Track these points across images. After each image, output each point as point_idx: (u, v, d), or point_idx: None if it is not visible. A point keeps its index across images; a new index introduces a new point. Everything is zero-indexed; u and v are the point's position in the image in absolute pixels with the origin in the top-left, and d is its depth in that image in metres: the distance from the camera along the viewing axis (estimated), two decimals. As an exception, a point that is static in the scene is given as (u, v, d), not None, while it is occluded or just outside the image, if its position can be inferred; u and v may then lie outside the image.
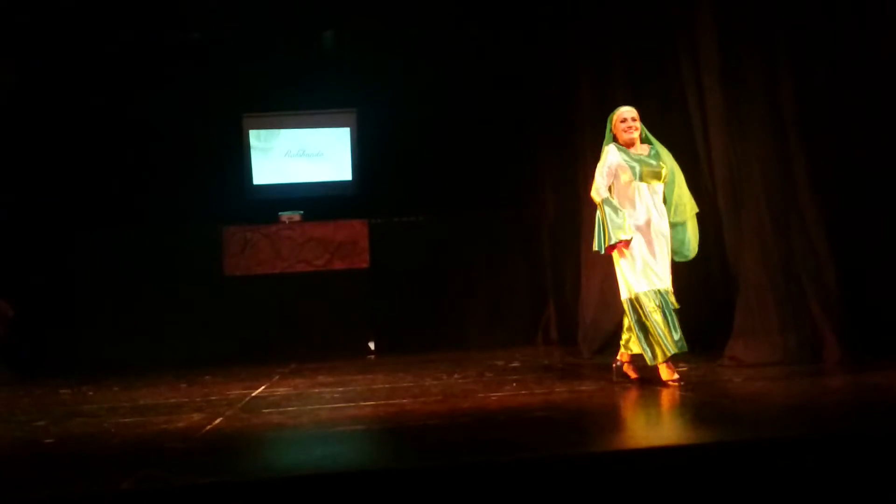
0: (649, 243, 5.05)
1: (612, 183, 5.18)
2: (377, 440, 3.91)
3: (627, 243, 5.01)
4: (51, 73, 9.25)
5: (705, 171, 6.10)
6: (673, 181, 5.17)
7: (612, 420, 4.26)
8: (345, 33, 10.31)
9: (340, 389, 5.74)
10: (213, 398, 5.57)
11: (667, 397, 4.62)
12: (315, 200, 10.13)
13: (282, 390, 5.89)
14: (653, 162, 5.14)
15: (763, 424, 3.83)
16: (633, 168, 5.10)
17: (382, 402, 4.94)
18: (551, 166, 8.60)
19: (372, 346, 9.11)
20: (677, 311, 5.02)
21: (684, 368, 5.44)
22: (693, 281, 5.92)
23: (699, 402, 4.40)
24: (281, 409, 4.87)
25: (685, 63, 6.24)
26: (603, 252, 5.15)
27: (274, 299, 9.25)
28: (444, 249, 9.43)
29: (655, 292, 4.98)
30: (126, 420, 4.72)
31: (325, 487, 3.04)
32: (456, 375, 6.17)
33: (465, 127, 9.86)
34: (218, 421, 4.48)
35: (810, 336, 5.42)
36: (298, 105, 10.66)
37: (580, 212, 7.34)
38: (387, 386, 5.79)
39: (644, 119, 5.30)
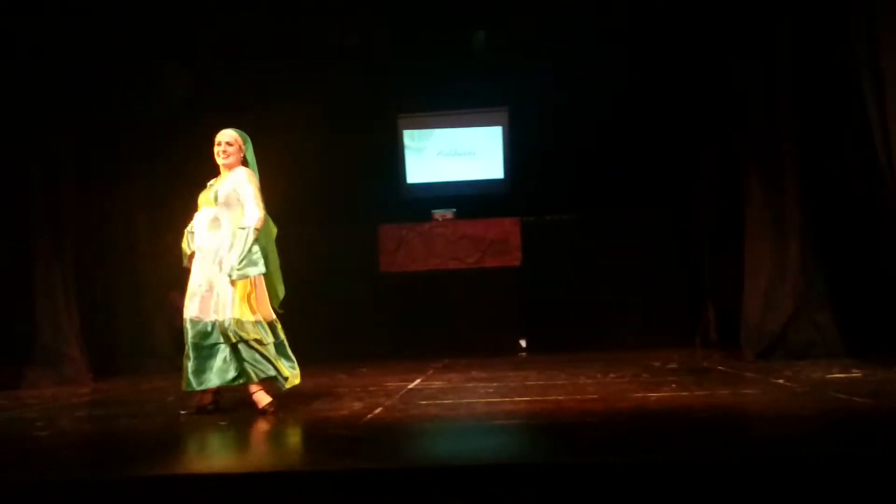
0: None
1: None
2: (535, 435, 3.88)
3: None
4: (218, 75, 9.75)
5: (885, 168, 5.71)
6: None
7: (778, 424, 4.03)
8: (496, 33, 10.33)
9: (494, 385, 5.76)
10: (372, 389, 5.72)
11: (839, 405, 4.33)
12: (467, 199, 10.22)
13: (437, 384, 5.97)
14: None
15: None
16: None
17: (538, 398, 4.91)
18: (709, 165, 8.30)
19: (523, 343, 9.10)
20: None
21: (858, 374, 5.10)
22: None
23: (876, 410, 4.10)
24: (437, 402, 4.93)
25: (860, 47, 5.85)
26: None
27: (427, 296, 9.42)
28: (597, 248, 9.30)
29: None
30: (292, 406, 4.92)
31: (485, 478, 3.05)
32: (611, 375, 6.05)
33: (618, 125, 9.67)
34: (378, 410, 4.59)
35: None
36: (451, 105, 10.78)
37: (742, 211, 7.05)
38: (541, 383, 5.76)
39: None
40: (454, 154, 10.79)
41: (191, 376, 4.61)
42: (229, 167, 4.87)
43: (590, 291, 9.16)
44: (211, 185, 4.91)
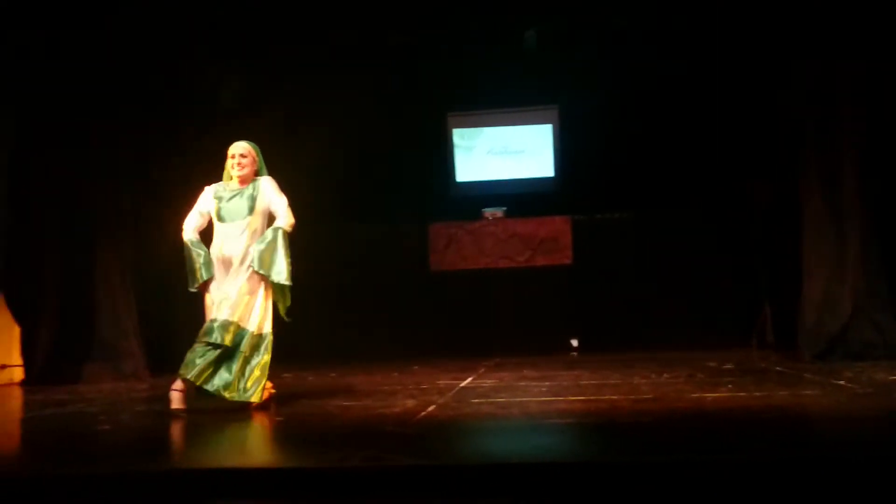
0: None
1: None
2: (590, 434, 3.85)
3: None
4: (270, 76, 9.86)
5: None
6: None
7: (841, 426, 3.94)
8: (547, 31, 10.28)
9: (547, 384, 5.73)
10: (424, 387, 5.74)
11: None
12: (517, 197, 10.19)
13: (489, 382, 5.97)
14: None
15: None
16: None
17: (592, 397, 4.88)
18: (764, 162, 8.15)
19: (575, 343, 9.04)
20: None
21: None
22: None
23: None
24: (490, 400, 4.93)
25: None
26: None
27: (477, 294, 9.41)
28: (649, 247, 9.20)
29: None
30: (346, 403, 4.96)
31: (541, 476, 3.04)
32: (665, 375, 5.98)
33: (669, 122, 9.55)
34: (431, 408, 4.60)
35: None
36: (501, 103, 10.76)
37: (800, 208, 6.91)
38: (594, 382, 5.72)
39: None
40: (504, 152, 10.77)
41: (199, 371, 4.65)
42: (244, 179, 4.93)
43: (642, 290, 9.06)
44: (221, 196, 4.91)
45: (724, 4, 8.24)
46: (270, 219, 4.98)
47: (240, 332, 4.71)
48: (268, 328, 4.85)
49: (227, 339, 4.66)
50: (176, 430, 4.31)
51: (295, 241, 9.42)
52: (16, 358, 7.41)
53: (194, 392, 4.67)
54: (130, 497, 3.02)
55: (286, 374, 7.09)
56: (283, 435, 3.99)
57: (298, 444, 3.71)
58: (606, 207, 9.50)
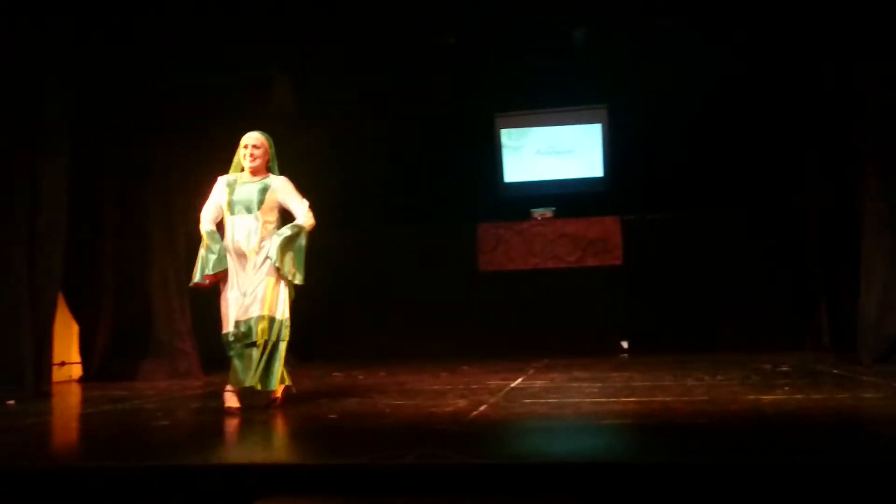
0: None
1: None
2: (647, 435, 3.81)
3: None
4: (317, 79, 9.95)
5: None
6: None
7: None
8: (595, 29, 10.19)
9: (598, 385, 5.69)
10: (474, 387, 5.74)
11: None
12: (566, 197, 10.12)
13: (539, 383, 5.94)
14: None
15: None
16: None
17: (644, 399, 4.83)
18: (821, 159, 8.00)
19: (625, 344, 8.96)
20: None
21: None
22: None
23: None
24: (542, 400, 4.91)
25: None
26: None
27: (526, 295, 9.38)
28: (701, 247, 9.08)
29: None
30: (397, 402, 4.99)
31: (598, 476, 3.02)
32: (719, 377, 5.90)
33: (721, 120, 9.40)
34: (483, 408, 4.59)
35: None
36: (549, 103, 10.71)
37: (857, 206, 6.76)
38: (647, 384, 5.66)
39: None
40: (552, 152, 10.71)
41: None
42: (256, 170, 4.91)
43: (693, 291, 8.95)
44: (231, 183, 4.90)
45: (776, 4, 8.10)
46: (286, 218, 4.96)
47: (272, 323, 4.74)
48: (287, 313, 4.85)
49: (265, 335, 4.69)
50: (231, 426, 4.38)
51: (344, 242, 9.62)
52: (74, 355, 7.59)
53: (247, 391, 4.74)
54: (190, 490, 3.07)
55: (336, 374, 7.16)
56: (337, 432, 4.02)
57: (352, 442, 3.73)
58: (657, 207, 9.39)
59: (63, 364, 7.41)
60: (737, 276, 8.94)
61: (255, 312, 4.71)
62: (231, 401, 4.74)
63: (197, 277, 4.78)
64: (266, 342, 4.71)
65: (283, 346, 4.80)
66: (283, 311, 4.82)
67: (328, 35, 9.27)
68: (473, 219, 9.79)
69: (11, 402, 5.51)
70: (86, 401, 6.10)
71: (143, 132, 7.49)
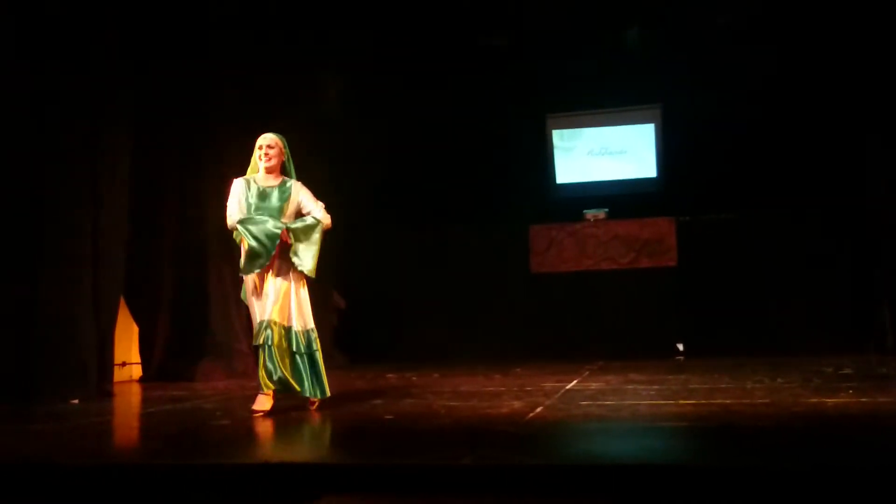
0: None
1: None
2: (707, 438, 3.74)
3: None
4: (368, 80, 10.01)
5: None
6: None
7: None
8: (648, 28, 10.08)
9: (655, 387, 5.62)
10: (529, 389, 5.71)
11: None
12: (619, 198, 10.04)
13: (595, 385, 5.89)
14: None
15: None
16: None
17: (703, 401, 4.75)
18: (884, 158, 7.80)
19: (681, 347, 8.83)
20: None
21: None
22: None
23: None
24: (599, 402, 4.86)
25: None
26: None
27: (579, 297, 9.32)
28: (758, 248, 8.94)
29: None
30: (452, 403, 4.98)
31: (658, 479, 2.98)
32: (779, 379, 5.78)
33: (777, 118, 9.23)
34: (539, 409, 4.57)
35: None
36: (601, 103, 10.63)
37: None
38: (704, 386, 5.57)
39: None
40: (605, 153, 10.62)
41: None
42: (272, 170, 4.93)
43: (751, 293, 8.79)
44: (253, 192, 4.88)
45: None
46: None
47: (288, 331, 4.73)
48: (311, 322, 4.85)
49: (279, 339, 4.67)
50: (289, 426, 4.42)
51: (397, 244, 9.66)
52: (134, 356, 7.75)
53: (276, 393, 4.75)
54: (248, 489, 3.11)
55: (390, 375, 7.18)
56: (394, 432, 4.03)
57: (409, 442, 3.74)
58: (712, 208, 9.25)
59: (124, 364, 7.57)
60: (794, 276, 8.77)
61: (269, 316, 4.69)
62: (260, 404, 4.69)
63: (258, 269, 4.75)
64: (292, 350, 4.73)
65: (316, 355, 4.82)
66: (303, 321, 4.81)
67: (379, 36, 9.36)
68: (526, 220, 9.76)
69: (75, 401, 5.64)
70: (146, 400, 6.22)
71: (199, 133, 7.62)
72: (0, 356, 5.64)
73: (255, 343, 4.76)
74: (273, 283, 4.76)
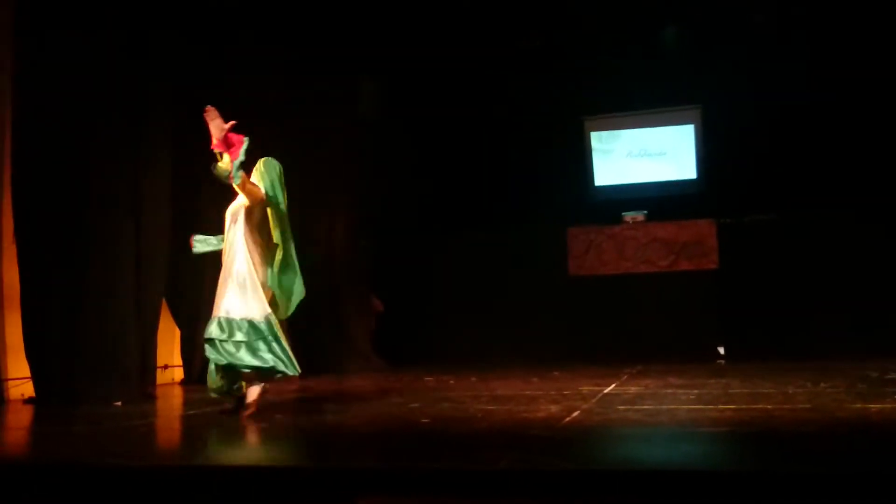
0: None
1: None
2: (748, 443, 3.69)
3: None
4: (412, 85, 10.07)
5: None
6: None
7: None
8: (687, 28, 9.98)
9: (695, 392, 5.54)
10: (566, 392, 5.68)
11: None
12: (658, 200, 9.96)
13: (633, 389, 5.84)
14: None
15: None
16: None
17: (744, 406, 4.68)
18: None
19: (721, 350, 8.72)
20: None
21: None
22: None
23: None
24: (637, 407, 4.81)
25: None
26: None
27: (617, 300, 9.25)
28: (801, 250, 8.79)
29: None
30: (489, 407, 4.97)
31: (698, 485, 2.94)
32: (823, 384, 5.67)
33: (819, 119, 9.07)
34: (576, 414, 4.53)
35: None
36: (639, 105, 10.55)
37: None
38: (746, 391, 5.49)
39: None
40: (644, 155, 10.54)
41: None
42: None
43: (793, 296, 8.65)
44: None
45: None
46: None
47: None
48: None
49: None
50: (326, 428, 4.45)
51: (436, 246, 9.68)
52: (176, 359, 7.86)
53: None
54: (286, 491, 3.14)
55: (427, 378, 7.18)
56: (431, 436, 4.04)
57: (446, 446, 3.74)
58: (753, 209, 9.12)
59: (166, 367, 7.68)
60: (838, 278, 8.61)
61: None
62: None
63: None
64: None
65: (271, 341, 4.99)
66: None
67: (415, 40, 9.39)
68: (564, 223, 9.72)
69: (118, 403, 5.73)
70: (188, 403, 6.29)
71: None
72: (44, 359, 5.76)
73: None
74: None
